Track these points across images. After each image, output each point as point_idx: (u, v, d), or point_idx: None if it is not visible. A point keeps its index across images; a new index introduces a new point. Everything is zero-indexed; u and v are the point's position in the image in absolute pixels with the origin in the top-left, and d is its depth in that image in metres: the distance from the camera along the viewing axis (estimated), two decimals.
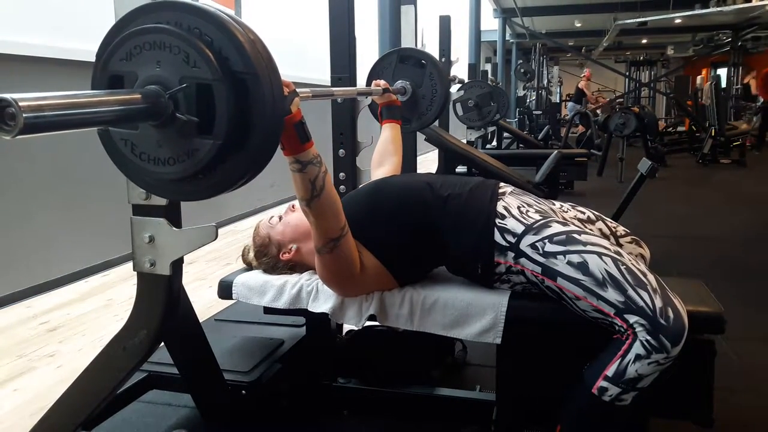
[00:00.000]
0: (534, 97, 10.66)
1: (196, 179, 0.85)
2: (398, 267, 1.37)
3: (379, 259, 1.35)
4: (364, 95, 1.84)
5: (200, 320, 1.35)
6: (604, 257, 1.18)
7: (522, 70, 10.55)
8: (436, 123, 2.98)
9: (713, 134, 7.73)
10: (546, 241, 1.22)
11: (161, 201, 1.02)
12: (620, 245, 1.46)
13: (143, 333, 1.07)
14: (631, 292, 1.13)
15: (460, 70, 4.97)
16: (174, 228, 1.03)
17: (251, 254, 1.55)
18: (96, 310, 2.53)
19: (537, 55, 11.08)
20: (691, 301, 1.20)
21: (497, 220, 1.28)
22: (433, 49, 3.67)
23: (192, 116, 0.79)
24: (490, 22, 11.94)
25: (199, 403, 1.43)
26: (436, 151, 3.94)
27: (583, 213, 1.52)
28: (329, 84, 1.92)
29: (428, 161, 6.41)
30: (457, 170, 4.12)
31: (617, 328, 1.15)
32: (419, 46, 2.61)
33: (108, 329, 2.27)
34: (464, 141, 4.32)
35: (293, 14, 5.53)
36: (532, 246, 1.23)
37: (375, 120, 1.96)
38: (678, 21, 11.17)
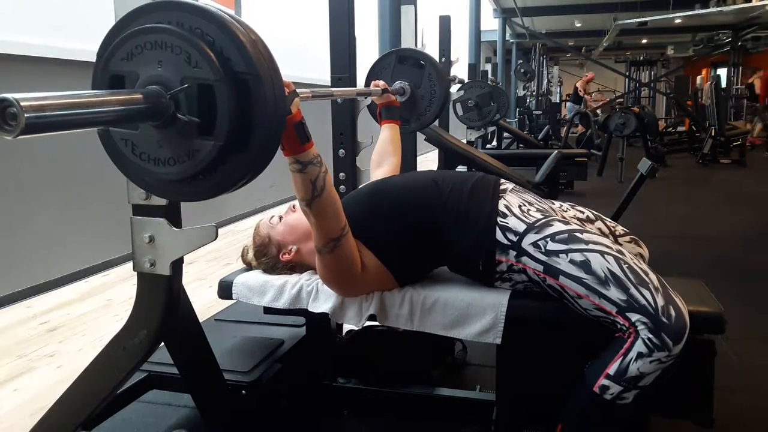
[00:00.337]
0: (534, 98, 10.67)
1: (196, 180, 0.85)
2: (399, 267, 1.37)
3: (380, 259, 1.35)
4: (363, 96, 1.84)
5: (200, 320, 1.35)
6: (606, 256, 1.18)
7: (522, 70, 10.54)
8: (436, 123, 2.98)
9: (713, 134, 7.73)
10: (548, 239, 1.23)
11: (161, 201, 1.02)
12: (619, 245, 1.46)
13: (143, 333, 1.07)
14: (633, 290, 1.14)
15: (460, 70, 4.97)
16: (174, 228, 1.03)
17: (250, 254, 1.55)
18: (96, 310, 2.53)
19: (537, 55, 11.08)
20: (691, 301, 1.20)
21: (499, 219, 1.28)
22: (433, 49, 3.67)
23: (193, 117, 0.79)
24: (490, 22, 11.94)
25: (199, 403, 1.43)
26: (436, 151, 3.94)
27: (582, 212, 1.52)
28: (329, 84, 1.92)
29: (428, 161, 6.41)
30: (457, 170, 4.12)
31: (619, 326, 1.15)
32: (419, 46, 2.60)
33: (108, 329, 2.27)
34: (464, 141, 4.32)
35: (293, 14, 5.53)
36: (534, 244, 1.23)
37: (375, 120, 1.96)
38: (678, 21, 11.17)
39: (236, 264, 1.63)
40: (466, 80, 5.21)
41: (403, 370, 1.61)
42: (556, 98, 13.97)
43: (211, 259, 3.29)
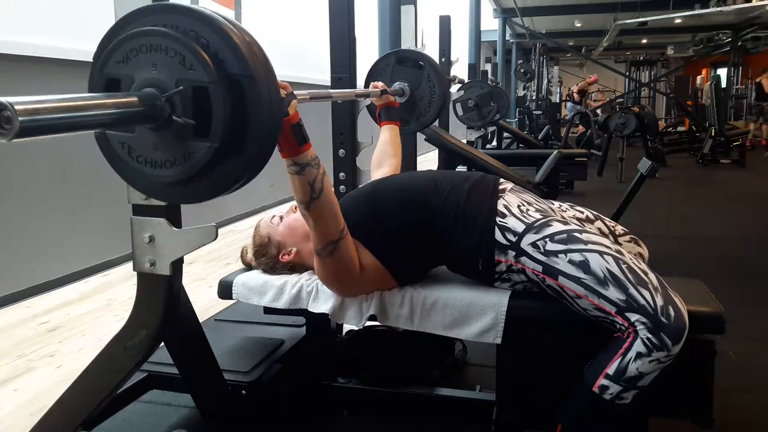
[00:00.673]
0: (534, 100, 10.66)
1: (193, 182, 0.85)
2: (398, 266, 1.37)
3: (379, 259, 1.35)
4: (362, 97, 1.84)
5: (200, 320, 1.35)
6: (605, 256, 1.18)
7: (522, 70, 10.54)
8: (436, 123, 2.98)
9: (713, 134, 7.73)
10: (547, 239, 1.23)
11: (161, 201, 1.03)
12: (619, 244, 1.46)
13: (143, 333, 1.07)
14: (632, 290, 1.14)
15: (460, 70, 4.97)
16: (174, 228, 1.03)
17: (250, 254, 1.55)
18: (96, 310, 2.53)
19: (537, 55, 11.08)
20: (691, 300, 1.20)
21: (498, 219, 1.28)
22: (433, 50, 3.67)
23: (188, 119, 0.79)
24: (490, 22, 11.94)
25: (199, 403, 1.43)
26: (436, 151, 3.94)
27: (582, 212, 1.53)
28: (329, 84, 1.92)
29: (428, 161, 6.42)
30: (457, 170, 4.12)
31: (618, 326, 1.15)
32: (419, 47, 2.60)
33: (108, 329, 2.27)
34: (464, 141, 4.32)
35: (294, 15, 5.53)
36: (533, 245, 1.24)
37: (374, 121, 1.96)
38: (678, 21, 11.17)
39: (236, 264, 1.63)
40: (466, 80, 5.21)
41: (403, 370, 1.61)
42: (555, 98, 13.97)
43: (211, 259, 3.29)
